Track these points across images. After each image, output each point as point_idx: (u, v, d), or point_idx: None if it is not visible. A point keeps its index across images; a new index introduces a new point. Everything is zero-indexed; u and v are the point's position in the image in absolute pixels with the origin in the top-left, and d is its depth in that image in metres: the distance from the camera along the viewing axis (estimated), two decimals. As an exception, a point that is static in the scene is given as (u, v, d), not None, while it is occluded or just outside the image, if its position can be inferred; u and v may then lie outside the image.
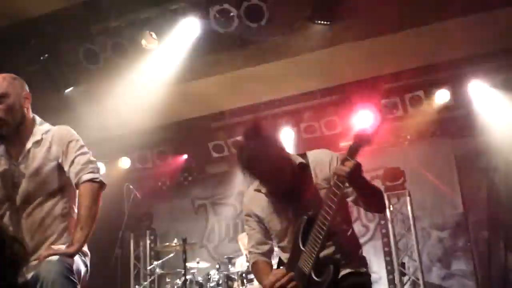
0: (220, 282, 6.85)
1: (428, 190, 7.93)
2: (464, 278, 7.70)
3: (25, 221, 2.95)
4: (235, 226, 8.96)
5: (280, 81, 7.09)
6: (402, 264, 7.58)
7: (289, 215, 2.88)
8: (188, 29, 5.81)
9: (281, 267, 2.97)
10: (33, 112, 3.18)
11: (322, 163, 2.85)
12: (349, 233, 2.92)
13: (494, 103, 7.24)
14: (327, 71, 6.99)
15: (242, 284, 6.71)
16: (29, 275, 2.76)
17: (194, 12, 5.73)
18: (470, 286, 7.61)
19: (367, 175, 2.70)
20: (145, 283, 8.10)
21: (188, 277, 6.83)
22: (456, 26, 6.04)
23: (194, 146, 8.92)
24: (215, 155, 8.76)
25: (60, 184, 3.06)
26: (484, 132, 7.61)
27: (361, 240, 7.96)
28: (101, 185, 3.02)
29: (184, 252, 6.66)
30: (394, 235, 7.60)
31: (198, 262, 7.23)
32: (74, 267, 2.84)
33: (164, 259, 7.67)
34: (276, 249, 3.13)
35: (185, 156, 9.10)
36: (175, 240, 7.16)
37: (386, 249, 7.90)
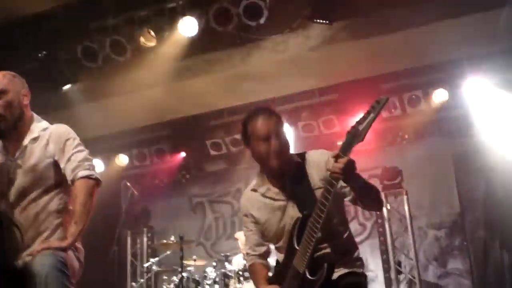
0: (217, 279, 6.86)
1: (425, 189, 7.95)
2: (460, 277, 7.73)
3: (19, 216, 2.95)
4: (232, 224, 8.98)
5: (278, 80, 7.10)
6: (399, 263, 7.59)
7: (284, 215, 2.88)
8: (187, 27, 5.80)
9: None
10: (31, 109, 3.19)
11: (319, 163, 2.84)
12: (345, 234, 2.92)
13: (491, 103, 7.25)
14: (326, 70, 7.00)
15: (239, 281, 6.72)
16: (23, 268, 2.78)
17: (193, 10, 5.73)
18: (466, 285, 7.64)
19: (364, 174, 2.71)
20: (142, 280, 8.10)
21: (184, 274, 6.84)
22: (453, 26, 6.05)
23: (192, 144, 8.92)
24: (213, 153, 8.76)
25: (55, 181, 3.07)
26: (481, 132, 7.63)
27: (358, 239, 8.06)
28: (97, 182, 3.04)
29: (181, 249, 6.67)
30: (391, 234, 7.61)
31: (195, 260, 7.24)
32: (68, 262, 2.85)
33: (161, 257, 7.67)
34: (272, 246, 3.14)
35: (183, 154, 9.10)
36: (172, 238, 7.18)
37: (383, 247, 7.91)
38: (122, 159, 8.82)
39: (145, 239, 8.88)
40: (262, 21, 5.51)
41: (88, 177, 3.00)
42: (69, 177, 3.02)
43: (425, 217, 8.06)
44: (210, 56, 6.25)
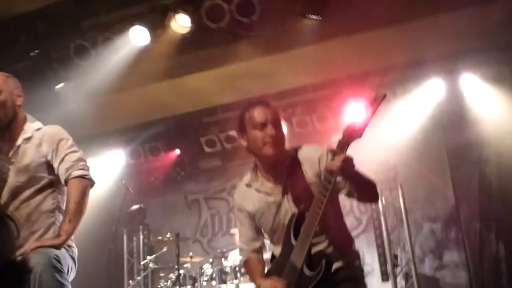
0: (214, 276, 6.87)
1: (420, 182, 7.97)
2: (456, 269, 7.76)
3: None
4: (228, 220, 8.98)
5: (272, 76, 7.09)
6: (395, 256, 7.61)
7: (279, 210, 2.88)
8: (180, 24, 5.78)
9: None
10: (24, 108, 3.22)
11: (313, 158, 2.85)
12: (341, 227, 2.94)
13: (485, 96, 7.28)
14: (319, 66, 7.00)
15: (236, 277, 6.74)
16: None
17: (186, 7, 5.71)
18: (462, 277, 7.68)
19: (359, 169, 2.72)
20: (139, 278, 8.10)
21: (181, 271, 6.85)
22: (447, 20, 6.06)
23: (187, 141, 8.92)
24: (207, 150, 8.77)
25: (48, 181, 3.10)
26: (475, 124, 7.65)
27: (354, 233, 8.07)
28: (91, 182, 3.09)
29: (177, 246, 6.67)
30: (387, 228, 7.63)
31: (191, 257, 7.24)
32: (63, 259, 2.87)
33: (157, 254, 7.67)
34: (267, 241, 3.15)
35: (178, 151, 9.10)
36: (168, 235, 7.18)
37: (379, 241, 7.94)
38: (117, 158, 8.81)
39: (141, 236, 8.87)
40: (254, 17, 5.50)
41: (82, 176, 3.03)
42: (63, 176, 3.05)
43: (421, 210, 8.08)
44: (203, 53, 6.23)
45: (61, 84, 6.45)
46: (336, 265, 2.76)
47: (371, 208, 7.99)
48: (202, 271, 7.01)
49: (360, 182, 2.72)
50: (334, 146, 2.62)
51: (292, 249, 2.74)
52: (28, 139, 3.11)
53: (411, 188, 7.77)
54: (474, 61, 7.18)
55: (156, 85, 6.65)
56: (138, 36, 5.87)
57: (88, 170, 3.10)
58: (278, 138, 2.80)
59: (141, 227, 8.91)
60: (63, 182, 3.07)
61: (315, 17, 5.61)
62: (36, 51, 6.07)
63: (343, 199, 2.89)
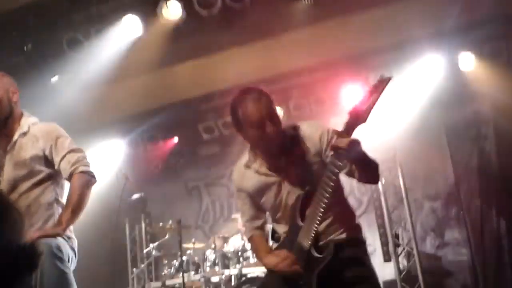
0: (217, 261, 6.91)
1: (420, 161, 7.97)
2: (458, 246, 7.79)
3: None
4: (229, 206, 9.01)
5: (267, 60, 7.07)
6: (396, 236, 7.64)
7: (281, 189, 2.86)
8: (171, 12, 5.76)
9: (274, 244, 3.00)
10: (20, 102, 3.33)
11: (314, 137, 2.82)
12: (344, 203, 2.96)
13: (482, 73, 7.25)
14: (314, 48, 6.96)
15: (238, 262, 6.78)
16: None
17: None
18: (464, 254, 7.71)
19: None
20: (142, 265, 8.16)
21: (184, 258, 6.89)
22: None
23: (185, 128, 8.91)
24: (205, 136, 8.77)
25: (46, 174, 3.19)
26: (473, 102, 7.64)
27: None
28: (94, 179, 3.21)
29: (179, 233, 6.70)
30: (387, 207, 7.64)
31: (193, 243, 7.28)
32: (63, 249, 2.93)
33: (160, 242, 7.71)
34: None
35: (176, 139, 9.10)
36: (170, 222, 7.22)
37: (380, 221, 7.96)
38: (116, 148, 8.80)
39: (143, 225, 8.91)
40: (246, 2, 5.47)
41: (87, 173, 3.16)
42: (66, 171, 3.15)
43: (421, 189, 8.09)
44: (197, 40, 6.21)
45: (56, 77, 6.45)
46: (339, 236, 2.80)
47: (371, 189, 7.99)
48: (205, 257, 7.05)
49: (365, 164, 2.70)
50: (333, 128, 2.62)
51: (299, 230, 2.74)
52: (24, 133, 3.22)
53: (410, 167, 7.78)
54: (471, 37, 7.14)
55: (151, 74, 6.64)
56: (130, 26, 5.86)
57: (90, 167, 3.21)
58: (276, 130, 2.73)
59: (142, 215, 8.94)
60: (65, 176, 3.17)
61: (307, 0, 5.58)
62: (30, 45, 6.07)
63: (342, 179, 2.89)
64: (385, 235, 7.82)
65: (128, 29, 5.87)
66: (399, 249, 7.59)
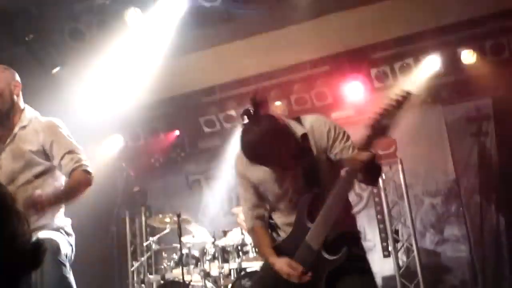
0: (216, 255, 6.91)
1: (420, 157, 7.96)
2: (457, 242, 7.80)
3: None
4: (229, 200, 8.99)
5: (269, 54, 7.05)
6: (396, 231, 7.64)
7: (287, 183, 2.84)
8: (174, 4, 5.75)
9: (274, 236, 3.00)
10: (22, 93, 3.36)
11: (320, 133, 2.80)
12: (347, 206, 2.97)
13: (483, 68, 7.24)
14: (316, 42, 6.95)
15: (238, 256, 6.78)
16: None
17: (179, -13, 5.67)
18: (463, 250, 7.72)
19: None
20: (142, 259, 8.15)
21: (184, 251, 6.89)
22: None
23: (186, 121, 8.90)
24: (207, 130, 8.75)
25: (44, 168, 3.22)
26: (474, 97, 7.64)
27: (355, 209, 8.09)
28: (92, 182, 3.24)
29: (179, 227, 6.70)
30: (387, 203, 7.64)
31: (193, 236, 7.28)
32: (62, 248, 2.93)
33: (160, 235, 7.71)
34: None
35: (177, 132, 9.09)
36: (170, 215, 7.21)
37: (380, 217, 7.96)
38: (116, 140, 8.80)
39: (143, 218, 8.92)
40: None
41: (89, 173, 3.21)
42: (68, 167, 3.17)
43: (421, 185, 8.09)
44: (199, 33, 6.18)
45: (57, 68, 6.43)
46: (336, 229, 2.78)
47: (371, 184, 8.00)
48: (205, 250, 7.04)
49: (372, 170, 2.73)
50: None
51: (307, 231, 2.73)
52: (24, 127, 3.25)
53: (411, 163, 7.78)
54: (471, 33, 7.13)
55: (153, 66, 6.61)
56: (132, 18, 5.84)
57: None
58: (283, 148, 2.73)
59: (143, 208, 8.95)
60: (65, 172, 3.19)
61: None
62: (31, 36, 6.05)
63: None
64: (384, 231, 7.83)
65: (130, 21, 5.84)
66: (399, 245, 7.60)
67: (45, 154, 3.21)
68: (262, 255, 3.03)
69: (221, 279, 6.75)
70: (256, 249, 6.31)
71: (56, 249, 2.88)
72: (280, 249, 2.86)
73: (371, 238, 8.09)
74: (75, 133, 3.40)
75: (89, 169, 3.21)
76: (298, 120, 2.87)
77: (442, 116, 7.97)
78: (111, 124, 8.26)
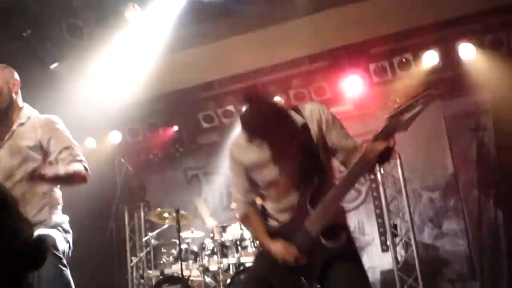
0: (215, 250, 6.93)
1: (418, 152, 7.96)
2: (455, 237, 7.82)
3: None
4: (228, 195, 9.00)
5: (267, 49, 7.04)
6: (394, 226, 7.65)
7: (282, 168, 2.83)
8: (171, 1, 5.74)
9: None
10: (20, 89, 3.39)
11: (319, 119, 2.84)
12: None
13: (481, 63, 7.23)
14: (314, 37, 6.94)
15: (237, 251, 6.80)
16: None
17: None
18: (461, 245, 7.74)
19: (357, 140, 2.74)
20: (141, 254, 8.17)
21: (183, 246, 6.91)
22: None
23: (184, 117, 8.90)
24: (205, 125, 8.74)
25: (42, 164, 3.22)
26: (473, 92, 7.64)
27: (354, 204, 8.15)
28: (87, 179, 3.26)
29: (178, 222, 6.72)
30: (386, 198, 7.64)
31: (192, 232, 7.30)
32: (59, 246, 2.95)
33: (158, 230, 7.72)
34: None
35: (176, 128, 9.09)
36: (168, 210, 7.22)
37: (378, 211, 7.99)
38: (115, 136, 8.79)
39: (142, 213, 8.92)
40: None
41: (87, 170, 3.24)
42: (66, 160, 3.19)
43: (419, 179, 8.10)
44: (197, 28, 6.17)
45: (55, 64, 6.42)
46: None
47: (370, 179, 8.01)
48: (204, 246, 7.06)
49: (384, 161, 2.75)
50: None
51: (307, 217, 2.74)
52: (22, 124, 3.28)
53: (409, 158, 7.77)
54: (470, 27, 7.13)
55: (151, 61, 6.60)
56: (131, 13, 5.82)
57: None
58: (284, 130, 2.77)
59: (141, 204, 8.95)
60: (63, 165, 3.19)
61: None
62: (29, 32, 6.03)
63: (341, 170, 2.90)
64: (383, 225, 7.85)
65: (128, 16, 5.83)
66: (397, 239, 7.60)
67: (43, 151, 3.24)
68: (257, 239, 3.04)
69: (220, 274, 6.78)
70: (251, 235, 6.35)
71: (54, 247, 2.90)
72: (277, 234, 2.88)
73: (369, 232, 8.12)
74: (73, 128, 3.42)
75: (86, 165, 3.24)
76: (297, 110, 2.89)
77: (441, 110, 7.97)
78: (109, 120, 8.26)
